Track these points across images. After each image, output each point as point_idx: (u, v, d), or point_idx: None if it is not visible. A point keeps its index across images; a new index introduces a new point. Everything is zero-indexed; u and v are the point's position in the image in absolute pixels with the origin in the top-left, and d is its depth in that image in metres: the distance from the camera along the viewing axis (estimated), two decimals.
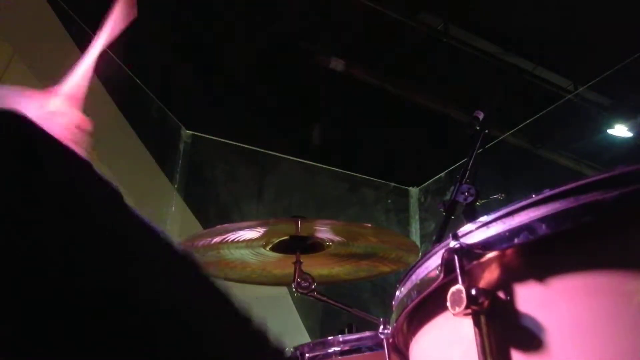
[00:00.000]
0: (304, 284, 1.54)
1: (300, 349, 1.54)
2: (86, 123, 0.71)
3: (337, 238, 1.69)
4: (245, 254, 1.73)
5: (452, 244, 0.70)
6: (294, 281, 1.55)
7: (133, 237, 0.52)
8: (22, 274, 0.46)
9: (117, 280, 0.47)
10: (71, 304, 0.46)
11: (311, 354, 1.50)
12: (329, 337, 1.50)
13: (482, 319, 0.65)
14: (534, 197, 0.65)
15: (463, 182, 1.55)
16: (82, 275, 0.47)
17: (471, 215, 1.49)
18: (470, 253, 0.68)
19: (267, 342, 0.56)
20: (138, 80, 3.33)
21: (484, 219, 0.69)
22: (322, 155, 4.24)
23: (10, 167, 0.49)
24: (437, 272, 0.72)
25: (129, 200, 0.56)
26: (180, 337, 0.48)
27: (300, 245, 1.64)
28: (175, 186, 3.64)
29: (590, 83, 4.13)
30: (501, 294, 0.66)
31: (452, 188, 1.56)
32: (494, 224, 0.68)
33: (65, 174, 0.52)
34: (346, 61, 4.02)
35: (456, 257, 0.69)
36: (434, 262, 0.75)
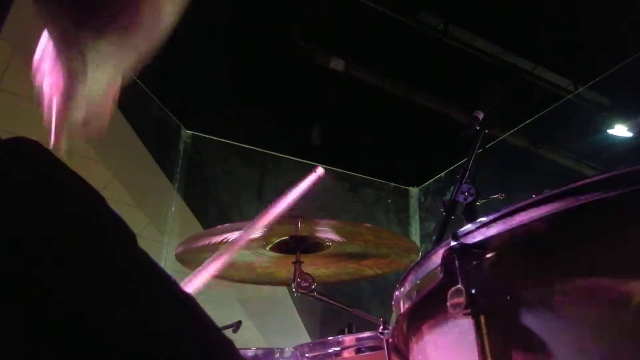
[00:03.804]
0: (304, 284, 1.54)
1: (300, 349, 1.54)
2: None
3: (337, 238, 1.69)
4: (245, 254, 1.73)
5: (452, 244, 0.70)
6: (294, 281, 1.55)
7: (140, 280, 0.52)
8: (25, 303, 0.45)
9: (117, 324, 0.47)
10: (74, 344, 0.45)
11: (311, 354, 1.50)
12: (329, 337, 1.50)
13: (482, 319, 0.65)
14: (534, 197, 0.65)
15: (463, 182, 1.55)
16: (85, 312, 0.47)
17: (471, 215, 1.49)
18: (470, 253, 0.68)
19: None
20: (138, 81, 3.33)
21: (484, 219, 0.69)
22: (322, 155, 4.24)
23: (27, 195, 0.49)
24: (437, 272, 0.72)
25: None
26: None
27: (300, 245, 1.64)
28: (175, 186, 3.64)
29: (590, 83, 4.13)
30: (501, 294, 0.66)
31: (452, 188, 1.56)
32: (494, 224, 0.68)
33: (80, 208, 0.52)
34: (346, 61, 4.02)
35: (456, 257, 0.69)
36: (434, 262, 0.75)
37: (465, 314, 0.66)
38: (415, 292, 0.78)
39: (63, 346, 0.45)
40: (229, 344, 0.55)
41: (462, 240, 0.70)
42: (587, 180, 0.62)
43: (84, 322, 0.46)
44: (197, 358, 0.50)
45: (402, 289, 0.85)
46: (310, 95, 4.13)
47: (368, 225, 1.76)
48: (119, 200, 3.77)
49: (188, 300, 0.54)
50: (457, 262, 0.68)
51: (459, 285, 0.66)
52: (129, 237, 0.53)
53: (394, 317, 0.89)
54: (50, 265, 0.47)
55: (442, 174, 4.40)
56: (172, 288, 0.53)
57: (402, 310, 0.83)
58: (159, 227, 3.72)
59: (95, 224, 0.52)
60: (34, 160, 0.53)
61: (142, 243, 0.53)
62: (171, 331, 0.50)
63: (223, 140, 3.88)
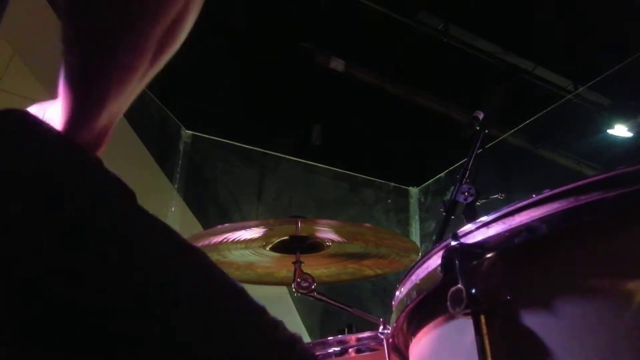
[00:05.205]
0: (304, 284, 1.53)
1: None
2: None
3: (337, 238, 1.69)
4: (245, 254, 1.73)
5: (452, 243, 0.70)
6: (294, 281, 1.55)
7: (145, 239, 0.52)
8: (27, 274, 0.45)
9: (126, 285, 0.47)
10: (75, 309, 0.45)
11: None
12: (329, 337, 1.50)
13: (482, 319, 0.65)
14: (534, 197, 0.65)
15: (463, 182, 1.55)
16: (88, 279, 0.46)
17: (471, 215, 1.49)
18: (470, 253, 0.68)
19: (281, 335, 0.57)
20: None
21: (484, 219, 0.69)
22: (322, 155, 4.24)
23: (22, 164, 0.49)
24: (437, 272, 0.72)
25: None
26: (195, 335, 0.48)
27: (300, 245, 1.64)
28: (175, 186, 3.63)
29: (590, 83, 4.13)
30: (501, 294, 0.66)
31: (452, 188, 1.56)
32: (494, 224, 0.68)
33: (77, 173, 0.52)
34: (346, 61, 4.02)
35: (456, 257, 0.69)
36: (434, 262, 0.75)
37: (465, 314, 0.66)
38: (415, 292, 0.78)
39: (73, 340, 0.45)
40: (239, 289, 0.55)
41: (462, 240, 0.70)
42: (587, 180, 0.62)
43: (101, 323, 0.46)
44: (211, 304, 0.51)
45: (402, 289, 0.85)
46: (310, 95, 4.13)
47: (368, 225, 1.76)
48: None
49: (196, 252, 0.54)
50: (457, 262, 0.68)
51: (459, 285, 0.66)
52: (129, 196, 0.53)
53: (394, 317, 0.89)
54: (47, 258, 0.46)
55: (442, 174, 4.39)
56: (179, 243, 0.53)
57: (402, 310, 0.83)
58: None
59: (92, 186, 0.52)
60: (21, 132, 0.52)
61: None
62: (186, 286, 0.51)
63: (223, 140, 3.88)
